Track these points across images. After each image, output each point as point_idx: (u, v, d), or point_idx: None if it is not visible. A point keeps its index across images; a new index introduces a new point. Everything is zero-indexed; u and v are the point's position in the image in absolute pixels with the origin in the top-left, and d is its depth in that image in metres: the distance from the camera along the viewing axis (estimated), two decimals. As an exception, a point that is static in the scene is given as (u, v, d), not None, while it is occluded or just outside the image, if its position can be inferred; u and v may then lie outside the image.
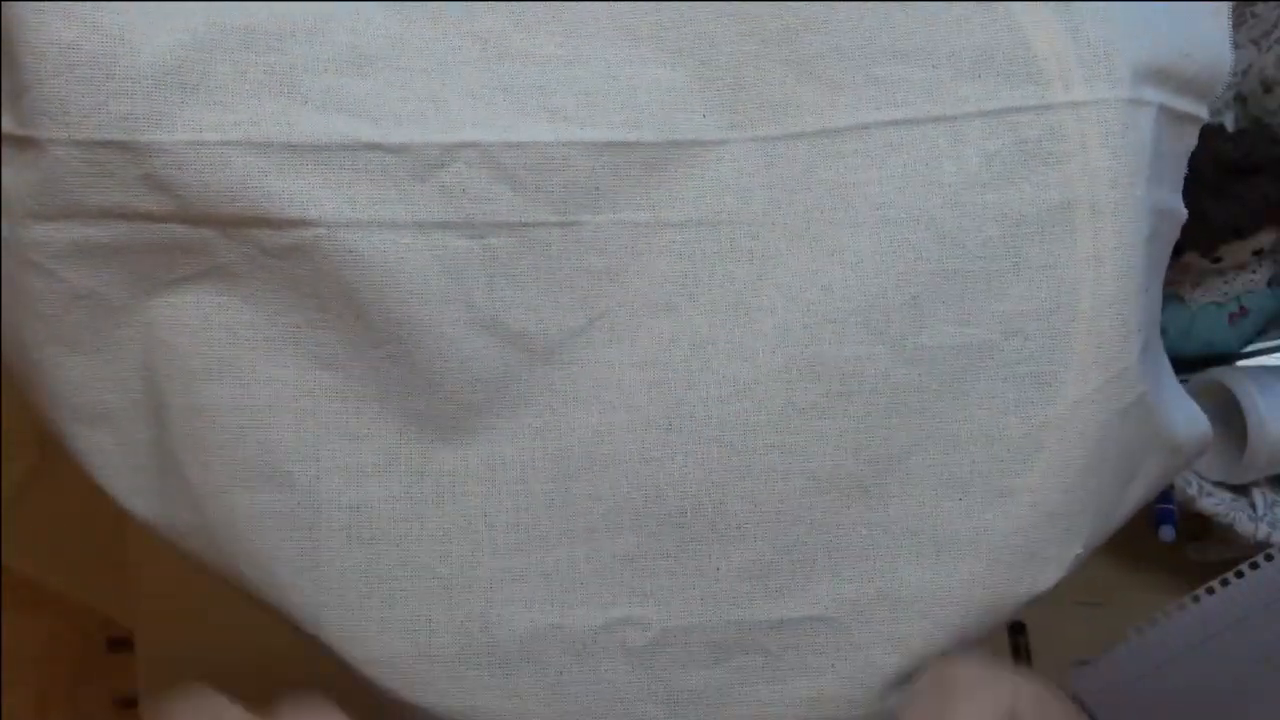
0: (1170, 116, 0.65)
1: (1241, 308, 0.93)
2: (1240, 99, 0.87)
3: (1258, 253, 0.91)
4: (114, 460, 0.64)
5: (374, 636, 0.63)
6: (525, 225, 0.62)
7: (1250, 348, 0.95)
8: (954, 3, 0.62)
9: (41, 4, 0.57)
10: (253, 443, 0.62)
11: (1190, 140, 0.68)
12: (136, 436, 0.64)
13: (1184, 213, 0.68)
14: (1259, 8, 0.84)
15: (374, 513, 0.63)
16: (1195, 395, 0.87)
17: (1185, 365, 0.91)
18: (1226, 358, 0.95)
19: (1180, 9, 0.66)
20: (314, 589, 0.63)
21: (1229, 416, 0.89)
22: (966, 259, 0.63)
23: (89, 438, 0.64)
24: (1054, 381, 0.62)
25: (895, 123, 0.63)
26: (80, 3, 0.57)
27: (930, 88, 0.62)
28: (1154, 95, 0.63)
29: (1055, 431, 0.63)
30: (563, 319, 0.63)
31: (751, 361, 0.63)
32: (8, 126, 0.59)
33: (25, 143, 0.58)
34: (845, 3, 0.62)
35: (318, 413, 0.63)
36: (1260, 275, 0.94)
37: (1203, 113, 0.67)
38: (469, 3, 0.62)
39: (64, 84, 0.57)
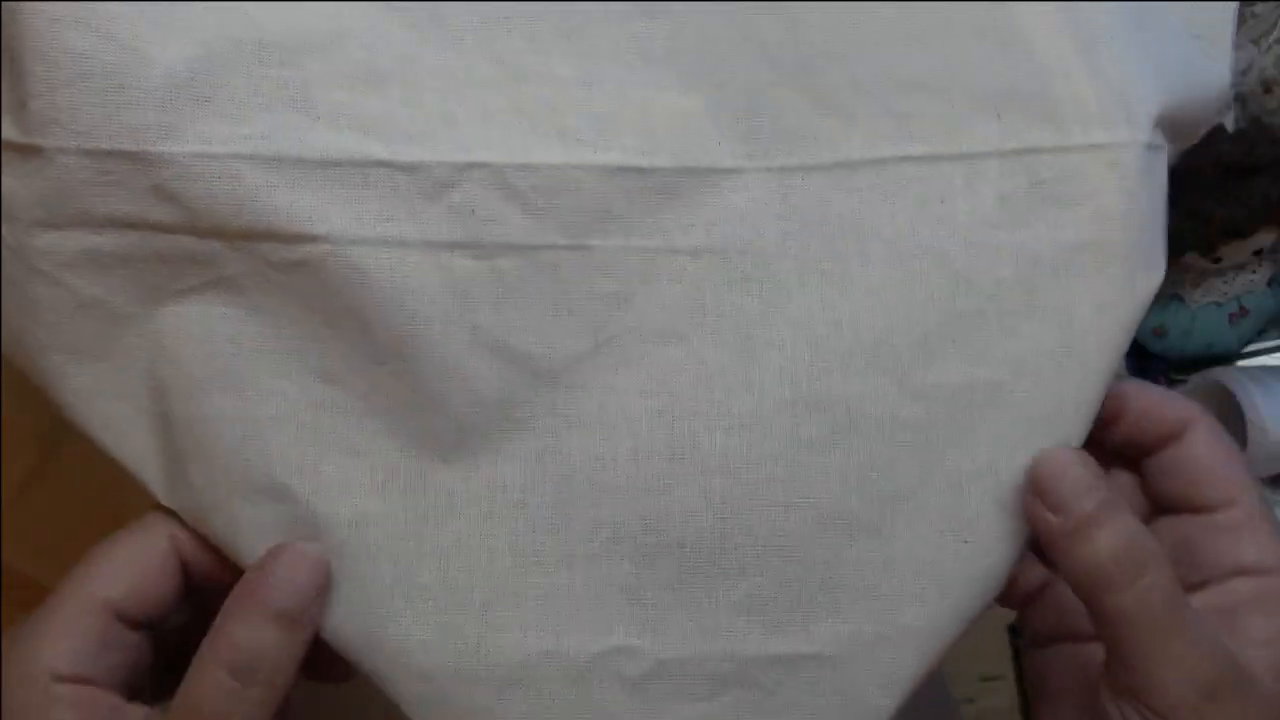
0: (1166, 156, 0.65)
1: (1241, 308, 0.93)
2: (1240, 99, 0.86)
3: (1258, 253, 0.91)
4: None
5: (369, 656, 0.63)
6: (534, 247, 0.62)
7: (1250, 348, 0.96)
8: (975, 40, 0.62)
9: (55, 13, 0.57)
10: (253, 454, 0.62)
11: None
12: (144, 447, 0.63)
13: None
14: (1259, 8, 0.84)
15: (372, 529, 0.63)
16: (1195, 395, 0.88)
17: (1185, 365, 0.91)
18: (1226, 358, 0.95)
19: (1190, 54, 0.66)
20: None
21: (1229, 416, 0.89)
22: (978, 298, 0.62)
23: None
24: (1061, 424, 0.62)
25: (911, 158, 0.62)
26: (95, 12, 0.57)
27: (948, 124, 0.62)
28: (1163, 138, 0.63)
29: None
30: (569, 343, 0.63)
31: (757, 393, 0.63)
32: (9, 134, 0.58)
33: (30, 150, 0.58)
34: (865, 35, 0.62)
35: (319, 427, 0.63)
36: (1260, 275, 0.94)
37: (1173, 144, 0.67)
38: (486, 23, 0.62)
39: (76, 93, 0.57)
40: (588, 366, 0.63)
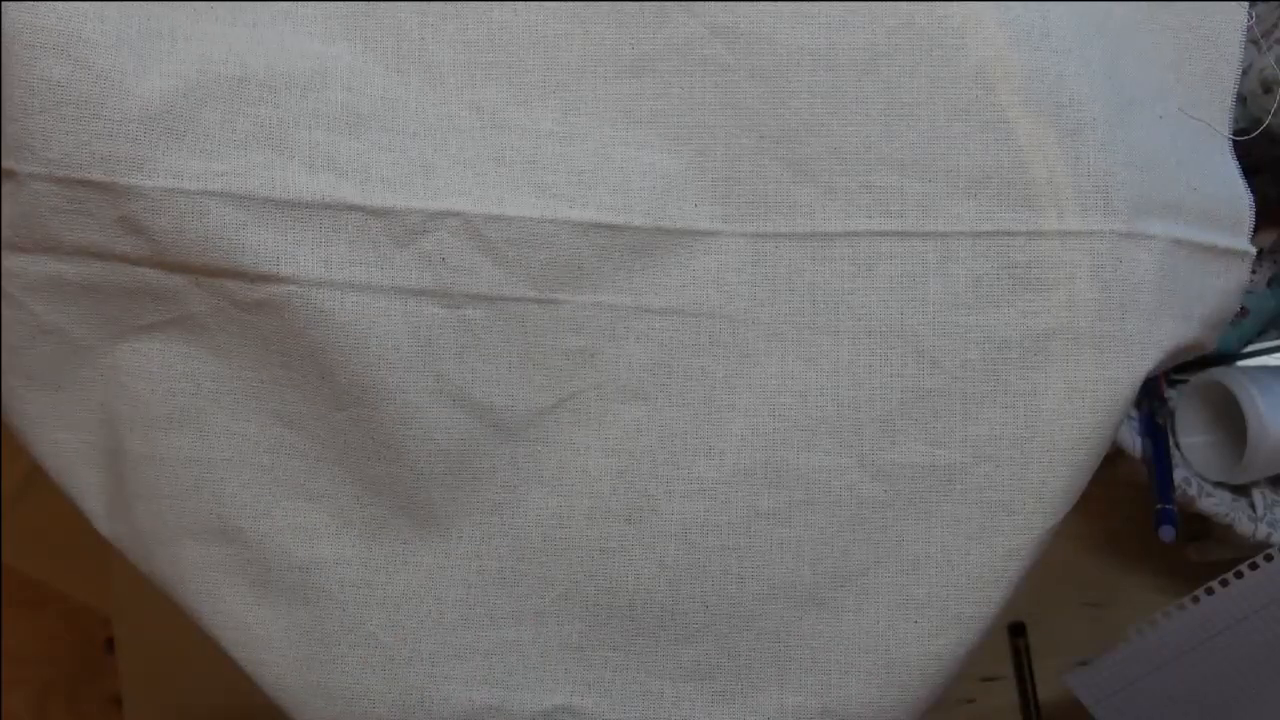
0: (1192, 250, 0.63)
1: (1241, 308, 0.92)
2: (1240, 99, 0.85)
3: (1258, 253, 0.90)
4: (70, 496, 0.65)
5: (313, 702, 0.63)
6: (503, 299, 0.61)
7: (1250, 348, 0.94)
8: (957, 119, 0.61)
9: (34, 39, 0.57)
10: (207, 495, 0.62)
11: (1236, 274, 0.66)
12: (87, 480, 0.64)
13: (1210, 345, 0.67)
14: (1259, 8, 0.82)
15: (323, 575, 0.63)
16: (1195, 395, 0.87)
17: (1185, 365, 0.90)
18: (1226, 358, 0.94)
19: (1188, 144, 0.65)
20: (256, 646, 0.63)
21: (1229, 416, 0.88)
22: (944, 379, 0.62)
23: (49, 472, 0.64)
24: (1022, 512, 0.62)
25: (886, 234, 0.62)
26: (74, 40, 0.57)
27: (925, 202, 0.61)
28: (1162, 228, 0.62)
29: (1020, 563, 0.62)
30: (532, 396, 0.63)
31: (718, 460, 0.63)
32: None
33: (4, 174, 0.58)
34: (849, 109, 0.61)
35: (275, 470, 0.63)
36: (1260, 275, 0.93)
37: (1240, 244, 0.66)
38: (469, 70, 0.62)
39: (50, 120, 0.57)
40: (550, 422, 0.63)
